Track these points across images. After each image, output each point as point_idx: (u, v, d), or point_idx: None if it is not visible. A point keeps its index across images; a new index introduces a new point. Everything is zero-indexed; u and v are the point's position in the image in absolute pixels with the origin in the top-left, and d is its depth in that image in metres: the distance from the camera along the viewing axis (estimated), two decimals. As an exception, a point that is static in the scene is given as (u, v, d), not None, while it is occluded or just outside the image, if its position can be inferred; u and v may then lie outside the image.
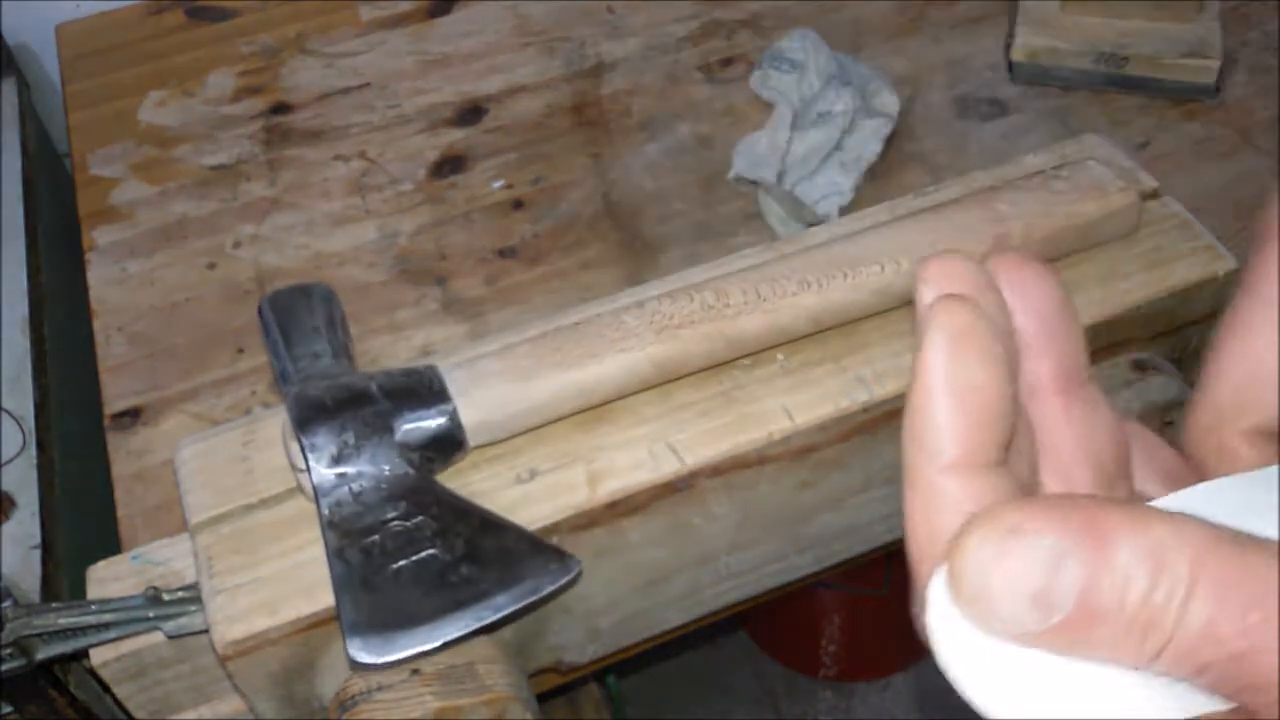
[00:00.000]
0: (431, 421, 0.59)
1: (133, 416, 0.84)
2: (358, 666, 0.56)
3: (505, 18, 1.11)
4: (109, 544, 0.79)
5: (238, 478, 0.62)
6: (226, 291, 0.91)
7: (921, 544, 0.29)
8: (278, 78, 1.07)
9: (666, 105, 1.02)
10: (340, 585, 0.55)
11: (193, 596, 0.59)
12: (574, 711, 1.36)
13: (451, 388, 0.60)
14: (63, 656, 0.61)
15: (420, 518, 0.57)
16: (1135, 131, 0.97)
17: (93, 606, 0.59)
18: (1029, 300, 0.32)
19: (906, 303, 0.67)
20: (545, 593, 0.56)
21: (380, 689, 0.58)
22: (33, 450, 0.84)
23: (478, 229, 0.94)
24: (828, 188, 0.93)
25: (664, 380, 0.63)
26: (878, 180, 0.95)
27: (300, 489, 0.60)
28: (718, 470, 0.62)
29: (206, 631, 0.57)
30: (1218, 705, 0.26)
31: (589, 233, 0.93)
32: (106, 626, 0.59)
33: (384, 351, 0.86)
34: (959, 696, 0.27)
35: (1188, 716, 0.26)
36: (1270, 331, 0.32)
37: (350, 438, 0.57)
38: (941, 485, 0.28)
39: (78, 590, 0.79)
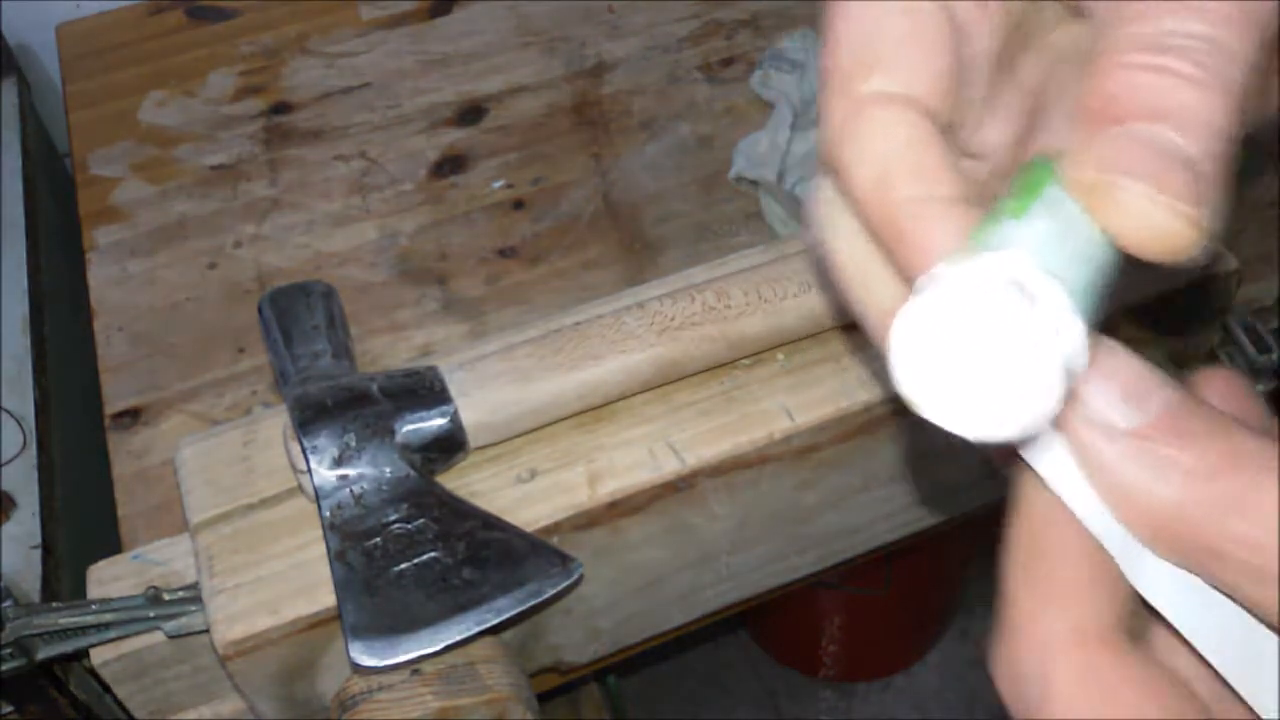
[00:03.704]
0: (433, 423, 0.59)
1: (133, 416, 0.84)
2: (360, 669, 0.56)
3: (505, 18, 1.11)
4: (109, 544, 0.79)
5: (238, 477, 0.62)
6: (227, 291, 0.91)
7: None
8: (278, 78, 1.07)
9: (667, 105, 1.02)
10: (342, 588, 0.55)
11: (193, 596, 0.59)
12: (574, 711, 1.36)
13: (452, 389, 0.60)
14: (63, 656, 0.61)
15: (421, 520, 0.57)
16: (1135, 132, 0.97)
17: (93, 606, 0.59)
18: None
19: (907, 303, 0.67)
20: (547, 596, 0.56)
21: (381, 689, 0.58)
22: (33, 450, 0.84)
23: (478, 229, 0.94)
24: (828, 188, 0.93)
25: (665, 381, 0.63)
26: (878, 180, 0.95)
27: (301, 490, 0.60)
28: (718, 470, 0.62)
29: (207, 631, 0.57)
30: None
31: (589, 233, 0.93)
32: (107, 626, 0.59)
33: (384, 351, 0.86)
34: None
35: None
36: None
37: (351, 439, 0.57)
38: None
39: (78, 590, 0.79)
